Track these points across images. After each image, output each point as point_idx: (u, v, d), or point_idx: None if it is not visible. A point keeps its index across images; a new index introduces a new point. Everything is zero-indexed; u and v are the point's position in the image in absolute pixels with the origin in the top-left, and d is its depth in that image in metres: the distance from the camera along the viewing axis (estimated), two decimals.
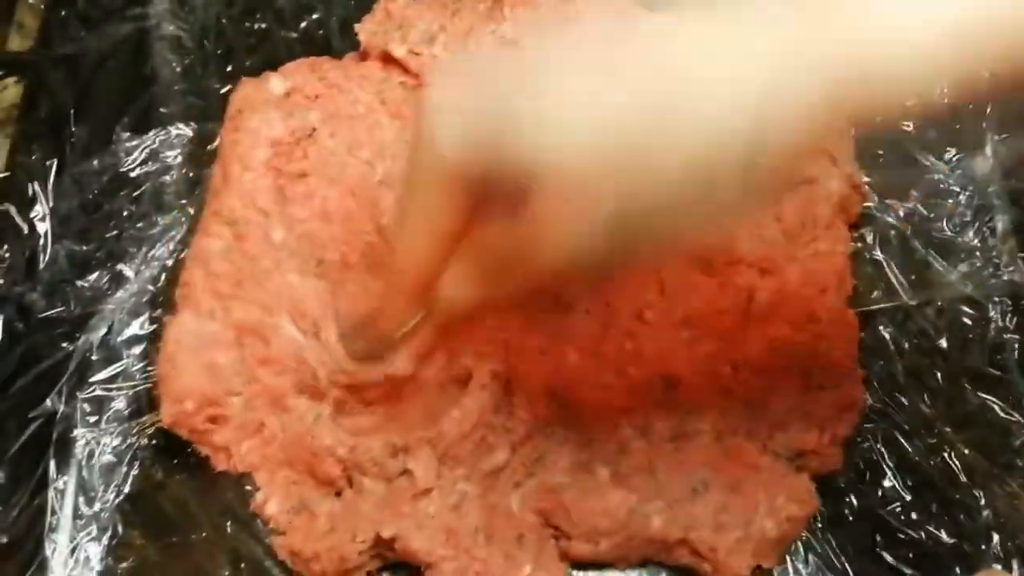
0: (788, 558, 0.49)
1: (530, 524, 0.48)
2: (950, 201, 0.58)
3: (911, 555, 0.49)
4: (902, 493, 0.50)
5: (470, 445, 0.48)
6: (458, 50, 0.55)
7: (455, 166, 0.39)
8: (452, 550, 0.47)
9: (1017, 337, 0.54)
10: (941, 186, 0.58)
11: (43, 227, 0.56)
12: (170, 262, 0.56)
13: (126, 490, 0.51)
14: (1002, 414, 0.52)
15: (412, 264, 0.44)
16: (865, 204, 0.57)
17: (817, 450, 0.50)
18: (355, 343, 0.50)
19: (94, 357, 0.53)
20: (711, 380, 0.51)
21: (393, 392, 0.50)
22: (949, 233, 0.57)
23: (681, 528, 0.47)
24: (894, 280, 0.56)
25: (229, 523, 0.50)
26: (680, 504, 0.48)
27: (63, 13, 0.63)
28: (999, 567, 0.48)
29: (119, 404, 0.53)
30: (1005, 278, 0.56)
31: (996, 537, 0.49)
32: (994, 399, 0.52)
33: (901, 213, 0.57)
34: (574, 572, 0.49)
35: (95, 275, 0.55)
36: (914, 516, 0.50)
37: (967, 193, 0.58)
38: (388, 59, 0.57)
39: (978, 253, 0.56)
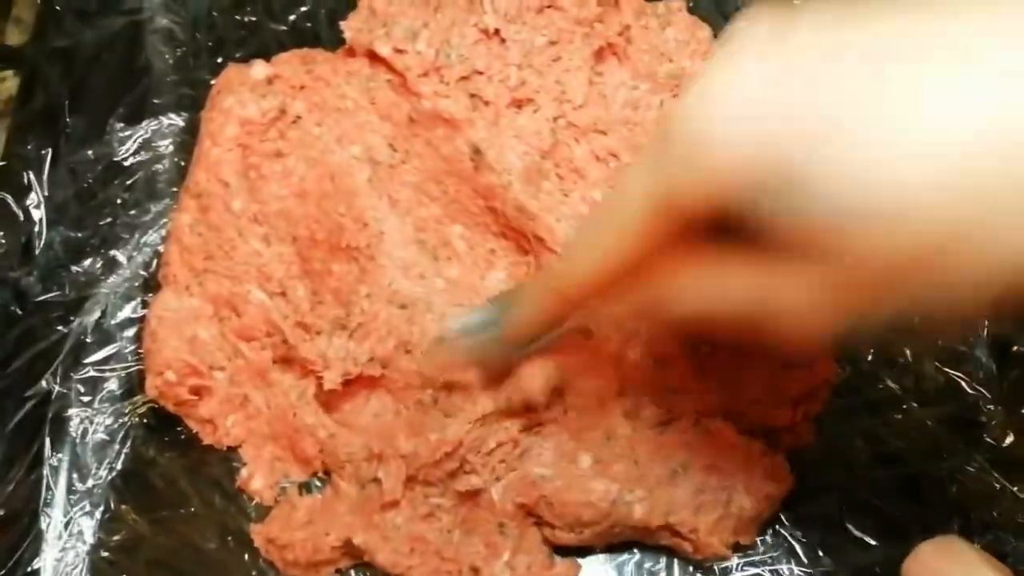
0: None
1: (511, 513, 0.49)
2: None
3: (876, 526, 0.50)
4: (869, 467, 0.52)
5: (443, 472, 0.49)
6: (441, 45, 0.56)
7: (704, 183, 0.31)
8: (419, 558, 0.48)
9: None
10: None
11: (38, 214, 0.58)
12: (162, 248, 0.57)
13: (118, 467, 0.52)
14: (969, 390, 0.53)
15: (578, 273, 0.38)
16: None
17: (790, 427, 0.51)
18: (471, 340, 0.48)
19: (88, 339, 0.55)
20: (693, 359, 0.52)
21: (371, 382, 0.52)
22: None
23: (662, 514, 0.48)
24: None
25: (217, 498, 0.52)
26: (661, 488, 0.49)
27: (58, 8, 0.65)
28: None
29: (112, 385, 0.54)
30: None
31: (960, 509, 0.50)
32: (961, 375, 0.53)
33: None
34: (555, 553, 0.50)
35: (89, 260, 0.57)
36: (880, 490, 0.51)
37: None
38: (374, 57, 0.58)
39: None
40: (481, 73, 0.55)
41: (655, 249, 0.35)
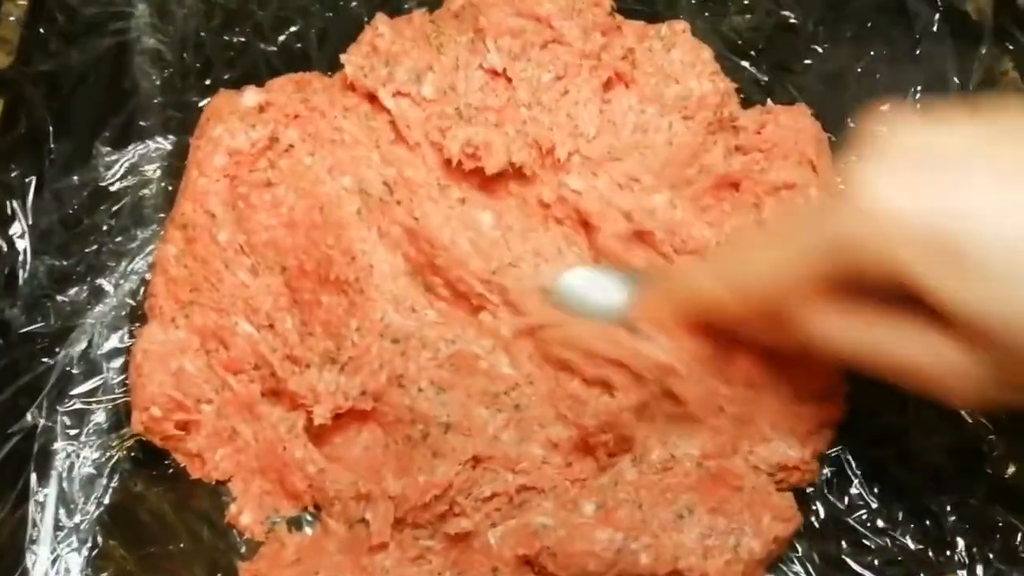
0: None
1: (507, 559, 0.48)
2: None
3: (876, 562, 0.49)
4: (868, 500, 0.51)
5: (432, 514, 0.48)
6: (446, 86, 0.54)
7: (865, 249, 0.36)
8: None
9: None
10: None
11: (22, 244, 0.57)
12: (149, 275, 0.56)
13: (106, 502, 0.51)
14: (970, 420, 0.52)
15: (727, 291, 0.43)
16: None
17: (799, 465, 0.50)
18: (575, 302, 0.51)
19: (74, 371, 0.54)
20: (708, 399, 0.50)
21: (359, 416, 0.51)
22: None
23: (669, 560, 0.47)
24: None
25: (206, 533, 0.51)
26: (667, 533, 0.48)
27: (42, 30, 0.63)
28: (963, 573, 0.48)
29: (99, 417, 0.53)
30: None
31: (961, 543, 0.50)
32: None
33: None
34: None
35: (75, 289, 0.56)
36: (880, 523, 0.50)
37: None
38: (375, 99, 0.56)
39: None
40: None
41: (810, 288, 0.39)
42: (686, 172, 0.54)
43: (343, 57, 0.57)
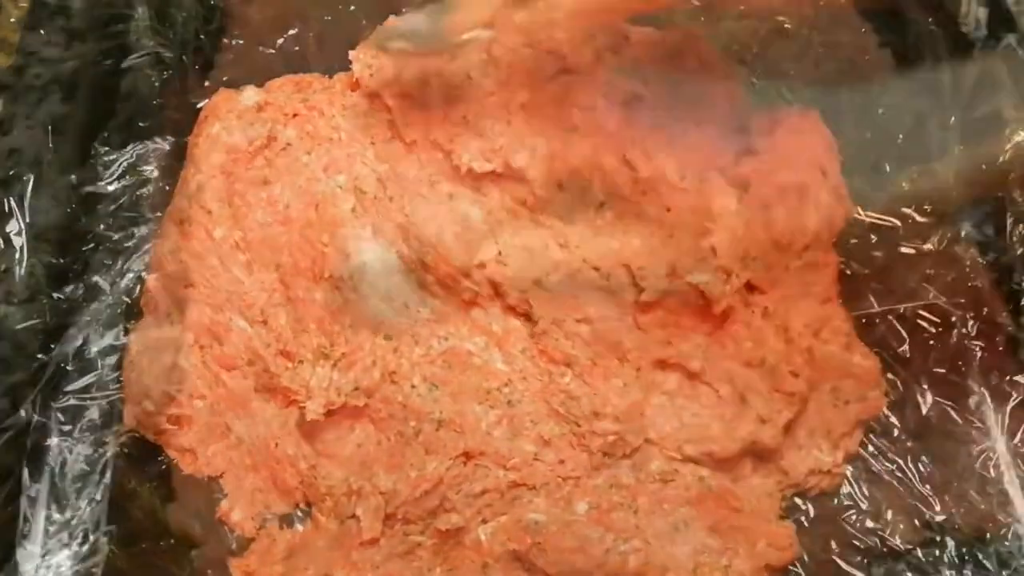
0: None
1: (497, 554, 0.48)
2: (914, 208, 0.58)
3: (866, 561, 0.49)
4: (859, 500, 0.51)
5: (423, 509, 0.48)
6: (453, 95, 0.55)
7: None
8: None
9: (980, 344, 0.54)
10: (905, 194, 0.59)
11: (19, 241, 0.57)
12: (145, 274, 0.57)
13: (97, 497, 0.51)
14: (960, 421, 0.52)
15: None
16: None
17: (831, 469, 0.50)
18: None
19: (69, 367, 0.54)
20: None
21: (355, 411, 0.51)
22: (913, 240, 0.57)
23: (658, 569, 0.47)
24: (856, 287, 0.56)
25: (197, 530, 0.51)
26: (659, 542, 0.48)
27: (42, 31, 0.64)
28: (952, 573, 0.48)
29: (92, 413, 0.54)
30: (968, 285, 0.56)
31: (951, 543, 0.49)
32: (953, 405, 0.53)
33: (865, 220, 0.58)
34: None
35: (71, 287, 0.57)
36: (869, 524, 0.50)
37: (931, 201, 0.58)
38: (375, 96, 0.57)
39: (941, 260, 0.56)
40: None
41: None
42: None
43: (351, 54, 0.57)
